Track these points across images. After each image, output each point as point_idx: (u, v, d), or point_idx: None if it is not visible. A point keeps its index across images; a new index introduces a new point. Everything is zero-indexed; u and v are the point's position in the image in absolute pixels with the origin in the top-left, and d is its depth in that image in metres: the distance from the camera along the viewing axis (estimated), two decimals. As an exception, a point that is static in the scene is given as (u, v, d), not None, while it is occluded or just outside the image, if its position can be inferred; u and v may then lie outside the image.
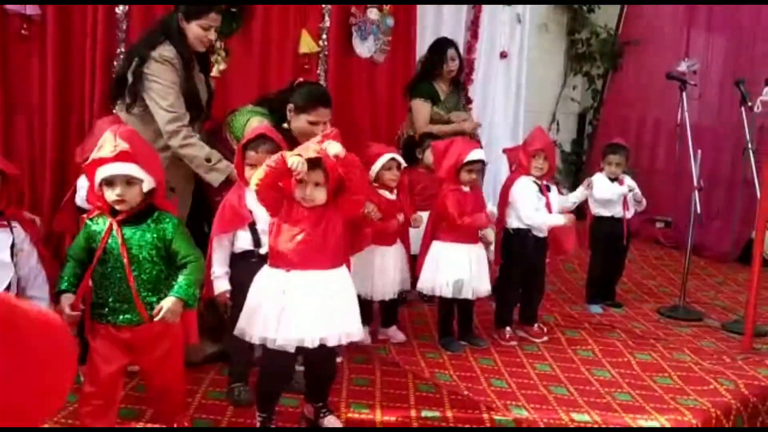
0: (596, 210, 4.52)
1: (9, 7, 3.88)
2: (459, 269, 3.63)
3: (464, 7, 5.79)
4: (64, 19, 4.10)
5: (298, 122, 3.18)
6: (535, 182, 3.83)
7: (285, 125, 3.24)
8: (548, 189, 3.88)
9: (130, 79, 3.16)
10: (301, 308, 2.40)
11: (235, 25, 4.65)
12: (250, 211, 2.78)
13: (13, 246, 2.22)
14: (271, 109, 3.30)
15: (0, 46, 3.93)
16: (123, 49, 4.26)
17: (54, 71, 4.09)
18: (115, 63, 4.26)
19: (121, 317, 2.21)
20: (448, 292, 3.64)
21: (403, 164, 3.61)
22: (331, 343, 2.48)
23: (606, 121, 7.31)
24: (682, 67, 4.98)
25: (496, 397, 3.15)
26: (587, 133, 7.54)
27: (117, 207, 2.18)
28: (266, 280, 2.48)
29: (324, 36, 4.98)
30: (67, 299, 2.16)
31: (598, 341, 3.96)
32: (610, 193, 4.44)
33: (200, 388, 2.98)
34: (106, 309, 2.21)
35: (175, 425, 2.52)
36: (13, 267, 2.22)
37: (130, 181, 2.14)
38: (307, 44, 4.91)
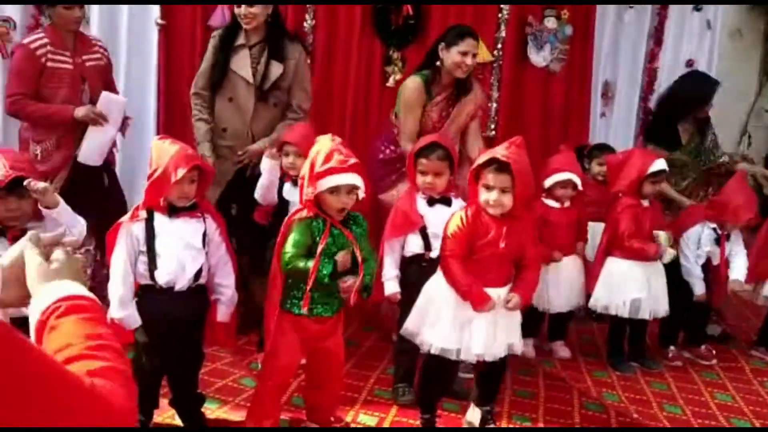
0: None
1: (212, 23, 4.27)
2: (636, 288, 3.46)
3: (648, 14, 5.51)
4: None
5: (450, 55, 3.36)
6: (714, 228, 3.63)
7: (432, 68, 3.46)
8: (728, 238, 3.65)
9: None
10: (485, 324, 2.44)
11: (411, 36, 4.78)
12: (421, 216, 2.84)
13: (204, 235, 2.42)
14: (424, 65, 3.55)
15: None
16: (309, 61, 4.53)
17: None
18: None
19: (319, 309, 2.37)
20: (624, 312, 3.47)
21: (580, 186, 3.51)
22: (501, 354, 2.54)
23: (808, 135, 6.64)
24: None
25: (669, 423, 2.97)
26: (784, 149, 6.89)
27: (336, 215, 2.32)
28: (442, 290, 2.51)
29: (499, 45, 4.97)
30: (352, 280, 2.31)
31: (790, 375, 3.61)
32: None
33: (366, 385, 3.08)
34: (298, 300, 2.35)
35: (332, 419, 2.64)
36: (205, 254, 2.42)
37: (351, 190, 2.30)
38: (481, 53, 4.92)
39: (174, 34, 4.24)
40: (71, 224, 2.08)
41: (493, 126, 5.01)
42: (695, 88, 4.25)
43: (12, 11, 3.73)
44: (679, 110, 4.20)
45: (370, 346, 3.50)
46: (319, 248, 2.30)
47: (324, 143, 2.32)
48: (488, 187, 2.41)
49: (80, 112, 3.14)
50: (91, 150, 3.19)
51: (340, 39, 4.62)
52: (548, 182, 3.50)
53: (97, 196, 3.26)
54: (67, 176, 3.22)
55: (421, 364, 2.76)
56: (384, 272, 2.87)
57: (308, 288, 2.30)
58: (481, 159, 2.46)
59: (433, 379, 2.65)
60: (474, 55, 3.44)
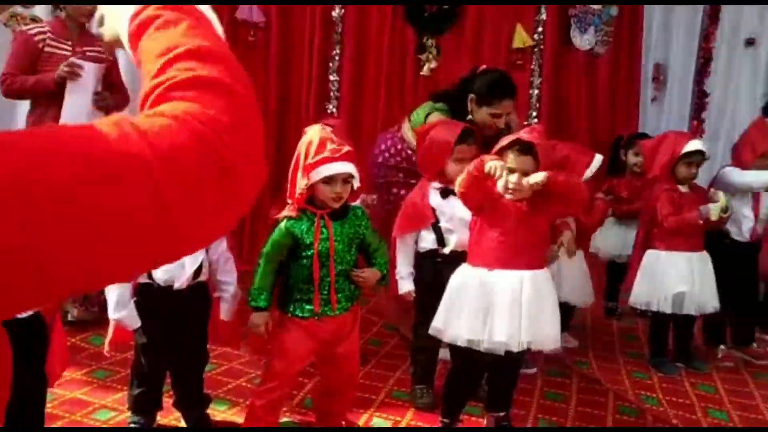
0: None
1: (239, 15, 4.23)
2: (679, 280, 3.20)
3: (703, -10, 5.19)
4: (286, 24, 4.38)
5: (480, 114, 2.96)
6: None
7: (469, 117, 3.00)
8: None
9: None
10: (507, 310, 2.29)
11: (446, 23, 4.62)
12: (433, 210, 2.70)
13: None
14: (451, 101, 3.04)
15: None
16: (338, 51, 4.45)
17: (276, 75, 4.38)
18: (330, 64, 4.45)
19: (310, 307, 2.25)
20: (667, 307, 3.22)
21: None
22: (533, 348, 2.37)
23: None
24: None
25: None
26: None
27: (333, 204, 2.22)
28: (466, 279, 2.39)
29: (540, 29, 4.76)
30: (263, 319, 2.23)
31: None
32: None
33: (385, 386, 2.96)
34: (302, 302, 2.24)
35: (343, 423, 2.53)
36: (205, 251, 2.35)
37: (346, 179, 2.21)
38: (521, 39, 4.73)
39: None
40: None
41: (534, 114, 4.81)
42: None
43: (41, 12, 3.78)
44: None
45: (394, 344, 3.38)
46: (315, 247, 2.21)
47: (314, 132, 2.21)
48: (510, 171, 2.27)
49: (57, 72, 3.13)
50: (69, 115, 3.18)
51: (371, 28, 4.51)
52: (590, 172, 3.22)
53: None
54: None
55: (442, 365, 2.63)
56: (397, 270, 2.73)
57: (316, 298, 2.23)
58: (504, 141, 2.33)
59: (461, 382, 2.50)
60: (508, 114, 3.00)
